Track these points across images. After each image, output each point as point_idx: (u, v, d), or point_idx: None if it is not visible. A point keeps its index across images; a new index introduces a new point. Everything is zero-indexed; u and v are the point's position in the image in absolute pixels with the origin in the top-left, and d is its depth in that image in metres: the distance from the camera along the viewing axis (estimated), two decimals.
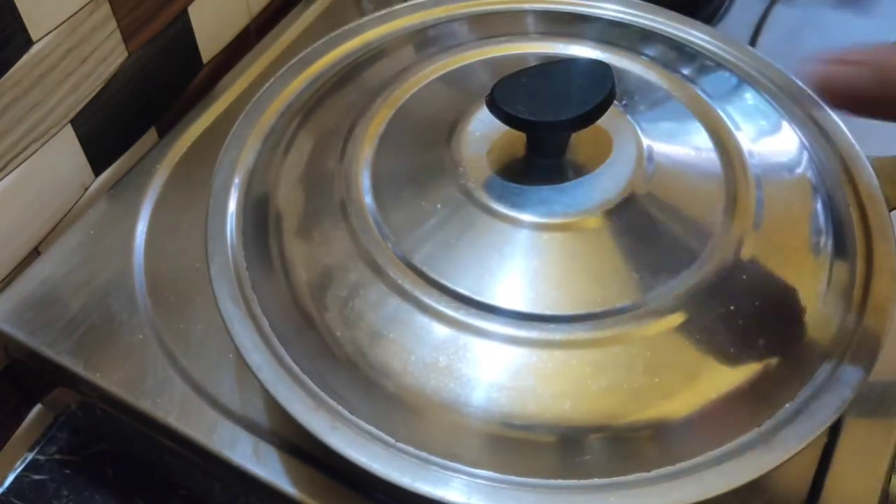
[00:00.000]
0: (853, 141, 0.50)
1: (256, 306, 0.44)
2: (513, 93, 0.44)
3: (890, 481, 0.45)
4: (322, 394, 0.41)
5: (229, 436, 0.48)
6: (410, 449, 0.40)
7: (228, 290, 0.44)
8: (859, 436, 0.47)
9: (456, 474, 0.39)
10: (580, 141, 0.46)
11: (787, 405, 0.41)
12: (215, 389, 0.49)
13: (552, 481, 0.39)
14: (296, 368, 0.42)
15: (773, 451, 0.39)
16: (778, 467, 0.39)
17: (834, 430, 0.47)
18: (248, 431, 0.48)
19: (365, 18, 0.57)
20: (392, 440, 0.40)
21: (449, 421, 0.41)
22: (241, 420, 0.48)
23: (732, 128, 0.49)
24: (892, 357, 0.46)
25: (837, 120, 0.51)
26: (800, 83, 0.52)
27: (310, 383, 0.42)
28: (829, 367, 0.42)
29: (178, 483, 0.56)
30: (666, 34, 0.56)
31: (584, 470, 0.40)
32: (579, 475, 0.39)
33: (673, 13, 0.57)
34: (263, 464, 0.47)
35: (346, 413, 0.41)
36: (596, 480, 0.39)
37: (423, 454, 0.40)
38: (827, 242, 0.46)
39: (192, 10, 0.64)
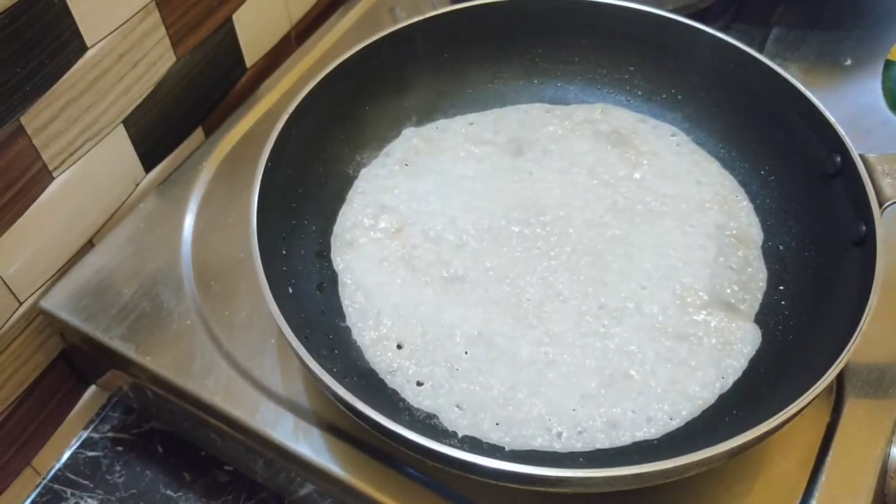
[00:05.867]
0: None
1: None
2: None
3: (889, 456, 0.47)
4: None
5: (271, 415, 0.49)
6: None
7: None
8: (860, 414, 0.48)
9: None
10: None
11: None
12: (258, 372, 0.51)
13: None
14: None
15: None
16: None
17: (836, 409, 0.48)
18: (288, 411, 0.49)
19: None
20: None
21: None
22: (282, 401, 0.50)
23: None
24: (890, 341, 0.48)
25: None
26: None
27: None
28: None
29: (222, 460, 0.57)
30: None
31: None
32: None
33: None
34: (303, 441, 0.48)
35: None
36: None
37: None
38: None
39: (236, 17, 0.65)
